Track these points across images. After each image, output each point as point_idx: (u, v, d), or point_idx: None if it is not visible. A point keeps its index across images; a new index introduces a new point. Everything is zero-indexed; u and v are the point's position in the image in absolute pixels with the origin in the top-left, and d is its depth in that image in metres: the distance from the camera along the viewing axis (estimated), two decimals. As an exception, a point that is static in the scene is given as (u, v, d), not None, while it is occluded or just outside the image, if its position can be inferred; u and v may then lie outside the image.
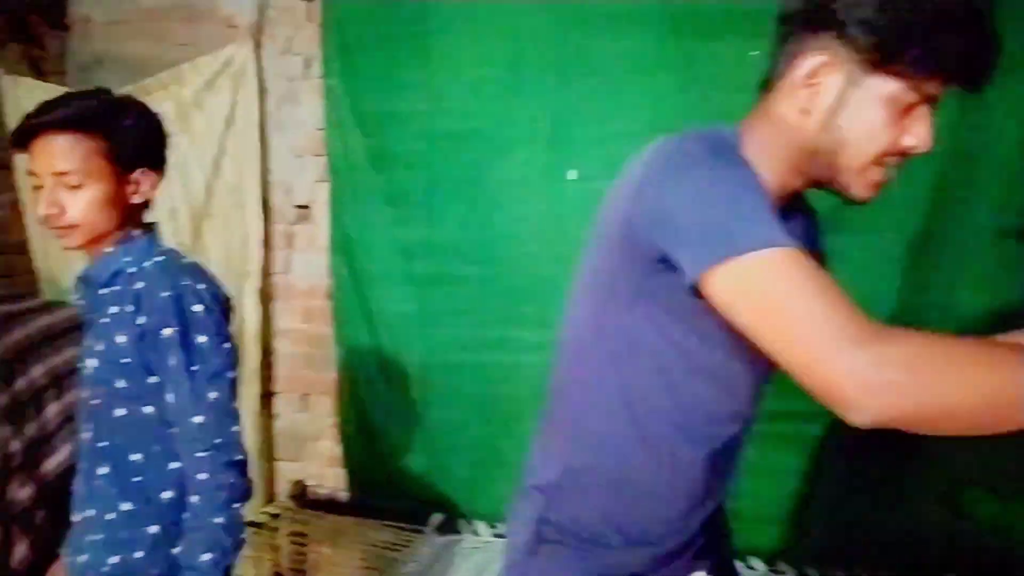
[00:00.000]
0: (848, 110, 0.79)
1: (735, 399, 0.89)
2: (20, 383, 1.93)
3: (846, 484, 2.00)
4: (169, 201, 2.27)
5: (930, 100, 0.79)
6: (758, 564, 2.02)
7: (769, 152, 0.84)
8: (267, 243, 2.33)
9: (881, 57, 0.76)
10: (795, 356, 0.67)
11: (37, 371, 1.99)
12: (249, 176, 2.26)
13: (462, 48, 2.06)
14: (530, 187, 2.08)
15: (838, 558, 2.00)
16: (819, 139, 0.81)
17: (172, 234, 2.29)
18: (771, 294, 0.68)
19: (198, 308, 1.21)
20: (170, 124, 2.21)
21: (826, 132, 0.81)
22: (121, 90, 2.24)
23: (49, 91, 2.26)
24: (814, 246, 0.97)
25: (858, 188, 0.82)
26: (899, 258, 1.89)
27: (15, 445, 1.88)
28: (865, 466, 1.97)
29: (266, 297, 2.37)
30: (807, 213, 0.98)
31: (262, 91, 2.26)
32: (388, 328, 2.25)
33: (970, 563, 1.90)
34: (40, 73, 2.52)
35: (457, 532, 2.21)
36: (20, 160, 2.39)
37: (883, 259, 1.90)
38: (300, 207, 2.35)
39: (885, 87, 0.77)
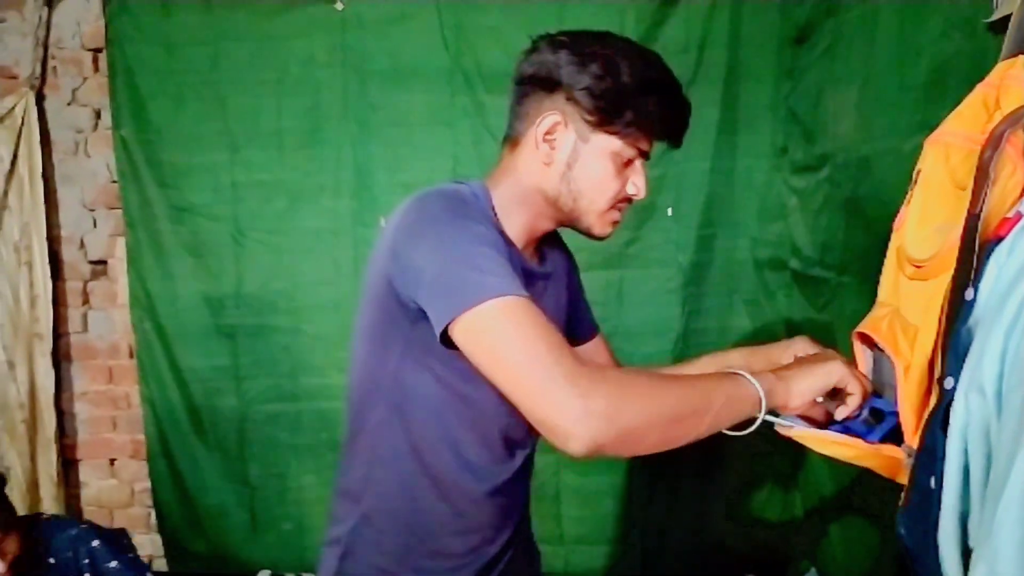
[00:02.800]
0: (580, 163, 0.92)
1: (512, 434, 0.99)
2: None
3: (653, 500, 2.23)
4: (-59, 261, 2.16)
5: (644, 155, 0.95)
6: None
7: (517, 200, 0.95)
8: (60, 301, 2.27)
9: (602, 119, 0.90)
10: (520, 394, 0.76)
11: None
12: (35, 231, 2.19)
13: (259, 98, 2.13)
14: (338, 235, 2.17)
15: (660, 570, 2.22)
16: (559, 188, 0.94)
17: (-54, 297, 2.17)
18: (499, 339, 0.77)
19: None
20: (-60, 179, 2.14)
21: (564, 183, 0.93)
22: None
23: None
24: (570, 277, 1.13)
25: (598, 228, 0.97)
26: (678, 289, 2.16)
27: None
28: (668, 482, 2.21)
29: (62, 359, 2.29)
30: (563, 249, 1.13)
31: (47, 143, 2.22)
32: (199, 383, 2.25)
33: (766, 561, 2.18)
34: None
35: (285, 587, 2.22)
36: None
37: (665, 290, 2.17)
38: (95, 262, 2.30)
39: (609, 144, 0.91)
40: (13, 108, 2.16)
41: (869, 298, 0.96)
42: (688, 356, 2.14)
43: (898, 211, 0.93)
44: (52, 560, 1.49)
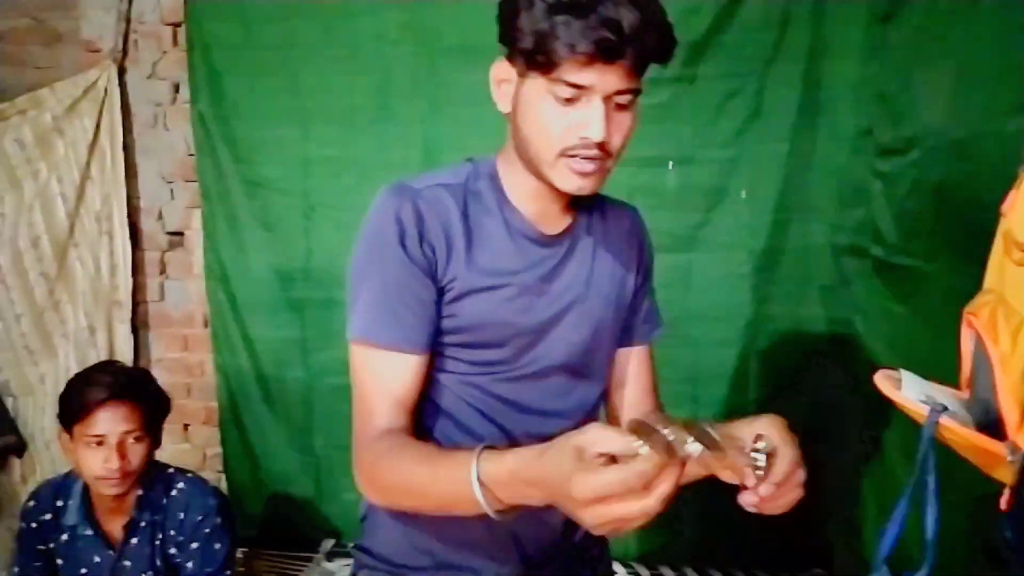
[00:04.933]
0: (521, 106, 0.87)
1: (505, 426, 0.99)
2: None
3: (706, 487, 2.22)
4: (30, 229, 2.28)
5: (583, 88, 0.82)
6: (642, 570, 2.22)
7: (509, 161, 0.94)
8: (138, 270, 2.37)
9: (514, 52, 0.85)
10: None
11: None
12: (116, 202, 2.29)
13: (331, 76, 2.17)
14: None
15: (712, 557, 2.22)
16: (518, 136, 0.90)
17: (35, 263, 2.29)
18: (354, 378, 0.91)
19: None
20: (30, 150, 2.26)
21: (517, 132, 0.89)
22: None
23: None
24: (620, 264, 1.02)
25: (558, 180, 0.87)
26: (749, 274, 2.13)
27: None
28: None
29: (139, 326, 2.40)
30: (628, 240, 1.04)
31: (127, 116, 2.31)
32: (269, 354, 2.33)
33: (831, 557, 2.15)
34: None
35: (348, 557, 2.30)
36: None
37: (735, 275, 2.14)
38: (172, 234, 2.40)
39: (538, 84, 0.84)
40: (96, 81, 2.25)
41: (958, 288, 0.94)
42: (758, 343, 2.16)
43: (1000, 197, 0.91)
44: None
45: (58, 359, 2.34)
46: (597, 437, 0.65)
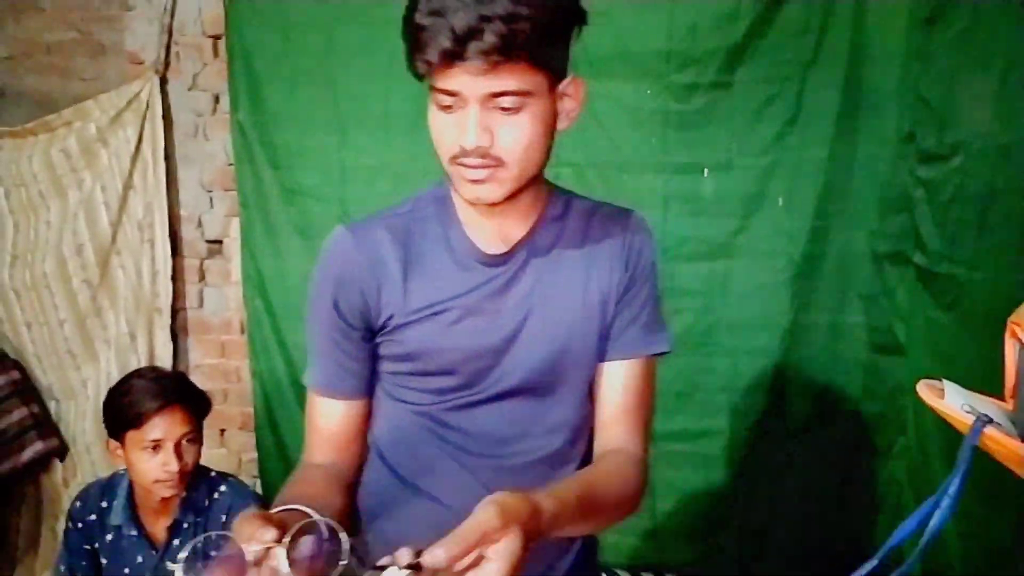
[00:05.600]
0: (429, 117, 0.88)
1: None
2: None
3: (752, 498, 2.21)
4: (74, 237, 2.36)
5: (451, 94, 0.81)
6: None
7: None
8: (178, 277, 2.44)
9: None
10: None
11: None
12: (157, 211, 2.36)
13: (369, 84, 2.22)
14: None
15: (753, 569, 2.21)
16: None
17: (79, 270, 2.37)
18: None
19: None
20: (75, 160, 2.34)
21: None
22: (24, 125, 2.37)
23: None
24: (589, 253, 0.98)
25: (459, 189, 0.89)
26: (787, 281, 2.12)
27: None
28: (768, 479, 2.19)
29: (178, 332, 2.47)
30: (593, 222, 0.99)
31: (169, 126, 2.38)
32: (304, 360, 2.35)
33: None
34: (-63, 107, 2.57)
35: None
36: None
37: (773, 283, 2.13)
38: (211, 241, 2.46)
39: (431, 94, 0.85)
40: (139, 92, 2.33)
41: (1003, 297, 0.93)
42: (797, 352, 2.14)
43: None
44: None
45: (100, 364, 2.42)
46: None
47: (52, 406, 2.43)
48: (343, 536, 0.72)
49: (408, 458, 1.00)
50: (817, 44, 2.03)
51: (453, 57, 0.78)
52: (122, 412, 1.53)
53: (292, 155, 2.30)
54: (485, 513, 0.68)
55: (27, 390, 2.35)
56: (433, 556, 0.64)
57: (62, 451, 2.42)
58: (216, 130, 2.40)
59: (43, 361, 2.42)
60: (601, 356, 0.99)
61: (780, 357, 2.14)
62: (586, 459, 1.01)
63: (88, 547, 1.60)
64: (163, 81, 2.38)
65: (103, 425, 2.12)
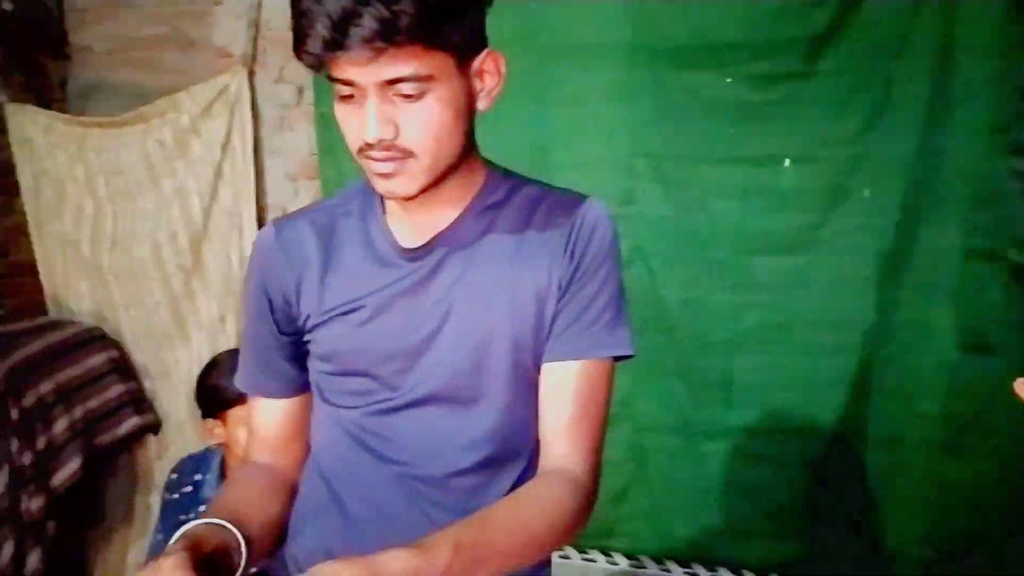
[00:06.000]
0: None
1: None
2: (29, 398, 2.16)
3: (828, 498, 2.19)
4: (169, 224, 2.50)
5: (359, 86, 0.77)
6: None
7: None
8: (263, 264, 2.56)
9: None
10: None
11: (45, 387, 2.22)
12: (245, 200, 2.48)
13: (446, 77, 2.27)
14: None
15: (828, 569, 2.19)
16: None
17: (173, 256, 2.51)
18: None
19: None
20: (169, 150, 2.47)
21: None
22: (120, 116, 2.51)
23: (51, 117, 2.53)
24: (525, 246, 0.90)
25: (372, 183, 0.85)
26: (870, 278, 2.08)
27: (26, 458, 2.10)
28: (847, 481, 2.16)
29: (262, 316, 2.59)
30: (538, 212, 0.92)
31: (256, 118, 2.49)
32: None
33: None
34: (42, 100, 2.76)
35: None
36: (24, 183, 2.63)
37: (854, 279, 2.09)
38: (294, 229, 2.57)
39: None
40: (229, 85, 2.44)
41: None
42: (881, 351, 2.09)
43: None
44: None
45: (191, 345, 2.56)
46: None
47: (147, 384, 2.59)
48: (243, 551, 0.80)
49: (336, 463, 0.95)
50: (905, 33, 1.97)
51: (334, 46, 0.72)
52: (224, 392, 1.60)
53: (372, 146, 2.37)
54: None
55: (124, 368, 2.51)
56: None
57: (156, 426, 2.58)
58: (300, 122, 2.50)
59: (139, 341, 2.58)
60: (541, 358, 0.90)
61: (862, 356, 2.10)
62: (533, 473, 0.91)
63: (183, 517, 1.71)
64: (250, 74, 2.48)
65: (195, 403, 2.29)
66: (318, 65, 0.76)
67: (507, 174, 0.96)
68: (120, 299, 2.57)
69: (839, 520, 2.17)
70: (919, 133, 1.99)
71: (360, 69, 0.74)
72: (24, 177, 2.60)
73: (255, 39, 2.47)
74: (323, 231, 0.92)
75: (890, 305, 2.06)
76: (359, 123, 0.78)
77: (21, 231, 2.72)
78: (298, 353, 0.97)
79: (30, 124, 2.55)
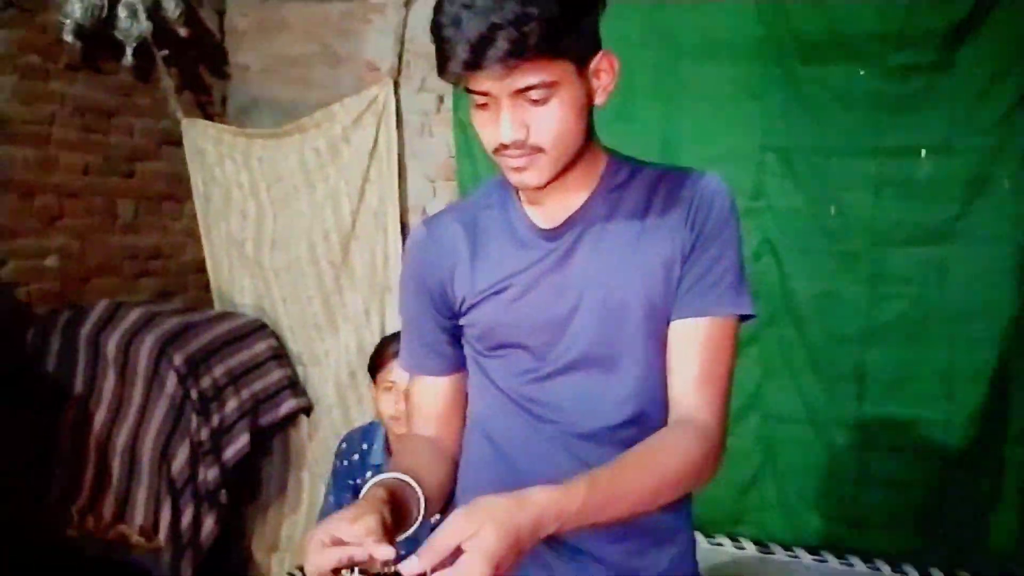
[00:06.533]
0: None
1: None
2: (205, 381, 2.44)
3: (966, 492, 2.17)
4: (322, 224, 2.75)
5: (494, 95, 0.87)
6: (884, 566, 2.23)
7: None
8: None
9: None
10: None
11: (218, 371, 2.50)
12: (389, 201, 2.70)
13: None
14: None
15: (963, 560, 2.17)
16: None
17: (326, 253, 2.76)
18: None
19: None
20: (323, 157, 2.72)
21: None
22: (280, 128, 2.79)
23: (221, 131, 2.83)
24: (650, 217, 0.98)
25: (507, 177, 0.96)
26: (1011, 268, 2.06)
27: (203, 434, 2.38)
28: (986, 474, 2.14)
29: (403, 309, 2.81)
30: (659, 188, 1.00)
31: (400, 124, 2.71)
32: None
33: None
34: (207, 115, 3.09)
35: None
36: (196, 190, 2.95)
37: (994, 270, 2.08)
38: (433, 228, 2.77)
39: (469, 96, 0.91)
40: (377, 96, 2.68)
41: None
42: (1019, 343, 2.08)
43: None
44: None
45: (339, 336, 2.80)
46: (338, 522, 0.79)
47: (300, 371, 2.85)
48: (422, 502, 0.92)
49: (500, 427, 1.05)
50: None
51: (473, 67, 0.83)
52: (375, 359, 1.87)
53: (507, 149, 2.54)
54: (454, 519, 0.74)
55: (282, 356, 2.77)
56: (409, 565, 0.71)
57: (308, 409, 2.83)
58: (440, 127, 2.70)
59: (294, 332, 2.84)
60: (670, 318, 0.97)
61: (1002, 348, 2.09)
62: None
63: (351, 482, 1.91)
64: (395, 85, 2.71)
65: (344, 389, 2.53)
66: (458, 81, 0.88)
67: (627, 159, 1.05)
68: (279, 294, 2.84)
69: (974, 514, 2.14)
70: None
71: (494, 82, 0.85)
72: (196, 185, 2.93)
73: (400, 54, 2.70)
74: (468, 224, 1.04)
75: (1033, 296, 2.04)
76: (494, 127, 0.89)
77: (189, 234, 3.06)
78: (455, 335, 1.07)
79: (202, 137, 2.87)
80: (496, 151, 0.91)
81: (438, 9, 0.85)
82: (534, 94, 0.87)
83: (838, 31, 2.14)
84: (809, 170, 2.22)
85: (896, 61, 2.10)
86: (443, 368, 1.09)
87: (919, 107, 2.10)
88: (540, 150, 0.90)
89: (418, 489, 0.94)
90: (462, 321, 1.05)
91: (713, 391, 0.96)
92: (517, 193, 1.02)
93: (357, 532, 0.77)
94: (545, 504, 0.77)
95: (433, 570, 0.71)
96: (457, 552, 0.72)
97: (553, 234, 0.99)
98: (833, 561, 2.28)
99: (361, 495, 0.89)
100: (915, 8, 2.06)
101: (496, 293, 1.00)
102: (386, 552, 0.75)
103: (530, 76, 0.85)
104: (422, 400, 1.11)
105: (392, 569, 0.74)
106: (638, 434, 0.96)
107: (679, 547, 1.05)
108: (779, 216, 2.26)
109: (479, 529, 0.72)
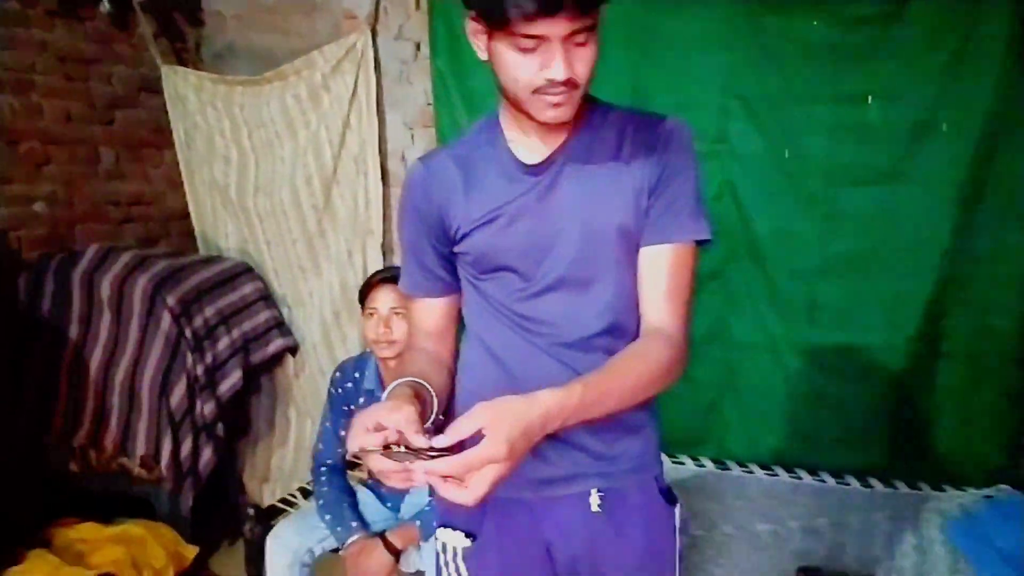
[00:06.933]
0: (494, 59, 1.02)
1: None
2: (197, 321, 2.55)
3: (905, 409, 2.41)
4: (304, 170, 2.85)
5: (540, 39, 0.96)
6: (829, 479, 2.47)
7: (502, 101, 1.12)
8: (386, 204, 2.88)
9: (482, 18, 1.00)
10: None
11: (209, 311, 2.61)
12: (369, 147, 2.79)
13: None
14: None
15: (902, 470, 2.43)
16: (498, 82, 1.06)
17: (308, 198, 2.87)
18: None
19: None
20: (304, 104, 2.80)
21: (497, 77, 1.05)
22: (256, 75, 2.85)
23: (202, 78, 2.89)
24: (624, 167, 1.11)
25: (535, 113, 1.03)
26: (949, 205, 2.27)
27: (199, 370, 2.51)
28: (925, 393, 2.38)
29: (386, 251, 2.93)
30: (630, 142, 1.12)
31: (379, 73, 2.79)
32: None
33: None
34: (181, 62, 3.13)
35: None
36: (177, 137, 3.02)
37: (935, 207, 2.29)
38: (413, 173, 2.88)
39: (502, 39, 0.99)
40: (355, 44, 2.75)
41: None
42: (955, 271, 2.29)
43: None
44: None
45: (323, 277, 2.92)
46: (377, 410, 0.96)
47: (285, 312, 2.97)
48: (434, 399, 1.07)
49: (497, 340, 1.17)
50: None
51: (552, 11, 0.93)
52: (361, 292, 2.02)
53: (485, 97, 2.64)
54: (479, 409, 0.91)
55: (268, 297, 2.89)
56: (440, 440, 0.89)
57: (295, 348, 2.96)
58: (418, 75, 2.79)
59: (279, 274, 2.95)
60: (640, 243, 1.11)
61: (939, 276, 2.31)
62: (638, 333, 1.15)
63: (346, 407, 2.06)
64: (373, 33, 2.78)
65: (327, 328, 2.63)
66: (513, 22, 0.95)
67: (599, 101, 1.17)
68: (264, 237, 2.94)
69: (915, 429, 2.39)
70: (997, 71, 2.16)
71: (558, 26, 0.95)
72: (177, 132, 2.99)
73: (377, 2, 2.77)
74: (461, 161, 1.15)
75: (966, 228, 2.26)
76: (540, 68, 0.99)
77: (169, 182, 3.13)
78: (450, 261, 1.19)
79: (183, 84, 2.92)
80: (537, 90, 1.00)
81: None
82: (580, 37, 0.97)
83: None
84: (769, 115, 2.39)
85: (849, 12, 2.25)
86: (440, 290, 1.21)
87: (871, 56, 2.27)
88: (576, 87, 1.00)
89: (431, 390, 1.10)
90: (457, 248, 1.16)
91: (678, 305, 1.11)
92: (502, 132, 1.14)
93: (396, 419, 0.93)
94: (551, 403, 0.94)
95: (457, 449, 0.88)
96: (478, 436, 0.88)
97: (538, 169, 1.11)
98: (783, 475, 2.52)
99: (387, 394, 1.05)
100: (868, -38, 2.22)
101: (488, 222, 1.12)
102: (422, 441, 0.91)
103: (580, 21, 0.96)
104: (421, 318, 1.24)
105: (427, 446, 0.91)
106: (613, 342, 1.13)
107: (645, 438, 1.22)
108: (740, 159, 2.43)
109: (498, 419, 0.89)
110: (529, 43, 0.97)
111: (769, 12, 2.31)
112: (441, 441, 0.90)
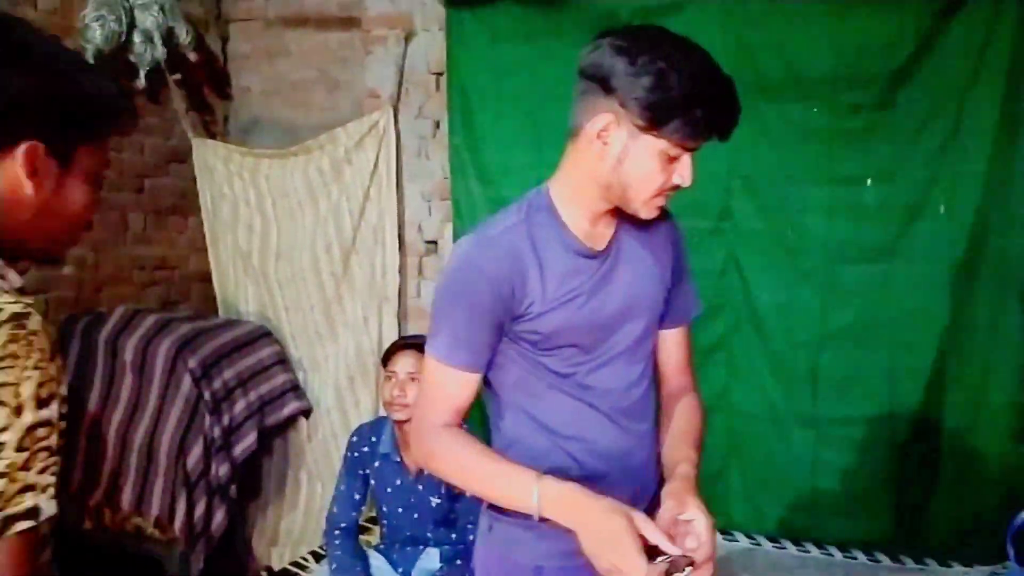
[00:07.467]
0: (630, 159, 1.07)
1: None
2: (216, 383, 2.64)
3: (910, 480, 2.46)
4: (325, 238, 2.98)
5: (691, 151, 1.08)
6: (836, 553, 2.50)
7: (573, 188, 1.16)
8: (402, 272, 3.00)
9: (651, 126, 1.04)
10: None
11: (228, 374, 2.70)
12: (388, 217, 2.93)
13: (564, 111, 2.66)
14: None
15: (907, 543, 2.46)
16: (610, 179, 1.10)
17: (327, 265, 2.99)
18: (426, 380, 1.21)
19: None
20: (326, 176, 2.95)
21: (615, 175, 1.09)
22: (280, 147, 3.01)
23: (230, 150, 3.05)
24: (659, 255, 1.25)
25: (644, 213, 1.13)
26: (945, 282, 2.37)
27: (216, 431, 2.58)
28: (927, 464, 2.43)
29: (401, 318, 3.03)
30: (655, 228, 1.24)
31: (399, 148, 2.95)
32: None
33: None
34: (209, 134, 3.30)
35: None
36: (203, 204, 3.17)
37: (931, 284, 2.39)
38: (429, 242, 3.01)
39: (656, 145, 1.05)
40: (378, 121, 2.92)
41: None
42: (953, 347, 2.38)
43: None
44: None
45: (339, 343, 3.01)
46: (643, 523, 1.02)
47: (301, 376, 3.05)
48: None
49: (551, 410, 1.21)
50: (976, 65, 2.28)
51: (725, 134, 1.08)
52: (384, 354, 2.12)
53: (498, 171, 2.79)
54: (668, 502, 1.08)
55: (286, 360, 2.98)
56: (688, 542, 1.04)
57: (308, 411, 3.03)
58: (436, 151, 2.95)
59: (296, 339, 3.05)
60: (662, 324, 1.28)
61: (937, 352, 2.39)
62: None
63: (362, 471, 2.13)
64: (395, 111, 2.95)
65: (341, 393, 2.73)
66: (691, 141, 1.07)
67: None
68: (282, 302, 3.05)
69: (919, 501, 2.43)
70: (988, 155, 2.29)
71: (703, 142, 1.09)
72: (204, 200, 3.14)
73: (400, 82, 2.95)
74: (529, 240, 1.16)
75: (963, 306, 2.35)
76: (673, 174, 1.09)
77: (193, 246, 3.26)
78: (501, 335, 1.18)
79: (212, 155, 3.08)
80: (659, 193, 1.11)
81: (703, 80, 1.04)
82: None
83: (796, 72, 2.44)
84: (771, 195, 2.52)
85: (846, 100, 2.40)
86: (482, 365, 1.19)
87: (866, 140, 2.41)
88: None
89: None
90: (522, 325, 1.16)
91: (692, 369, 1.35)
92: (557, 213, 1.18)
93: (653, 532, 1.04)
94: (693, 471, 1.17)
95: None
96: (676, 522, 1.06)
97: (600, 254, 1.19)
98: (791, 547, 2.55)
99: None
100: (862, 53, 2.37)
101: (567, 302, 1.16)
102: (675, 549, 1.04)
103: None
104: (458, 393, 1.19)
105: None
106: (643, 405, 1.29)
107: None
108: (744, 235, 2.55)
109: (687, 499, 1.09)
110: (679, 152, 1.08)
111: (768, 98, 2.47)
112: (691, 543, 1.05)
